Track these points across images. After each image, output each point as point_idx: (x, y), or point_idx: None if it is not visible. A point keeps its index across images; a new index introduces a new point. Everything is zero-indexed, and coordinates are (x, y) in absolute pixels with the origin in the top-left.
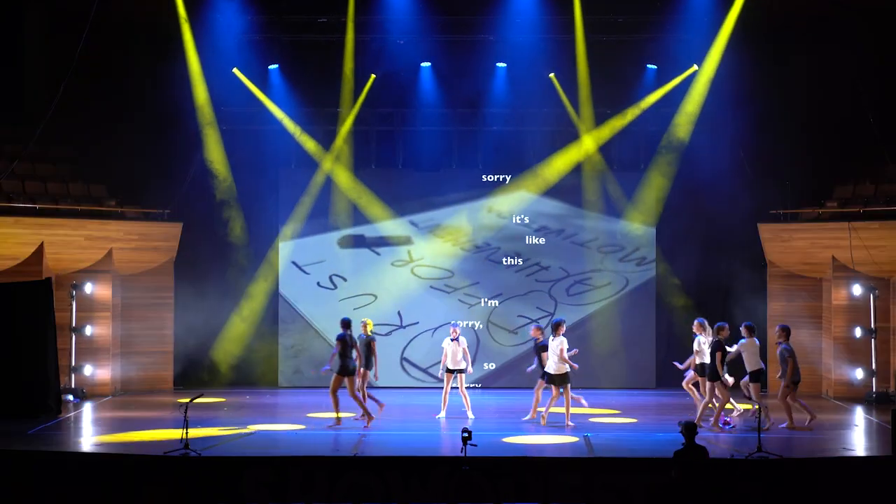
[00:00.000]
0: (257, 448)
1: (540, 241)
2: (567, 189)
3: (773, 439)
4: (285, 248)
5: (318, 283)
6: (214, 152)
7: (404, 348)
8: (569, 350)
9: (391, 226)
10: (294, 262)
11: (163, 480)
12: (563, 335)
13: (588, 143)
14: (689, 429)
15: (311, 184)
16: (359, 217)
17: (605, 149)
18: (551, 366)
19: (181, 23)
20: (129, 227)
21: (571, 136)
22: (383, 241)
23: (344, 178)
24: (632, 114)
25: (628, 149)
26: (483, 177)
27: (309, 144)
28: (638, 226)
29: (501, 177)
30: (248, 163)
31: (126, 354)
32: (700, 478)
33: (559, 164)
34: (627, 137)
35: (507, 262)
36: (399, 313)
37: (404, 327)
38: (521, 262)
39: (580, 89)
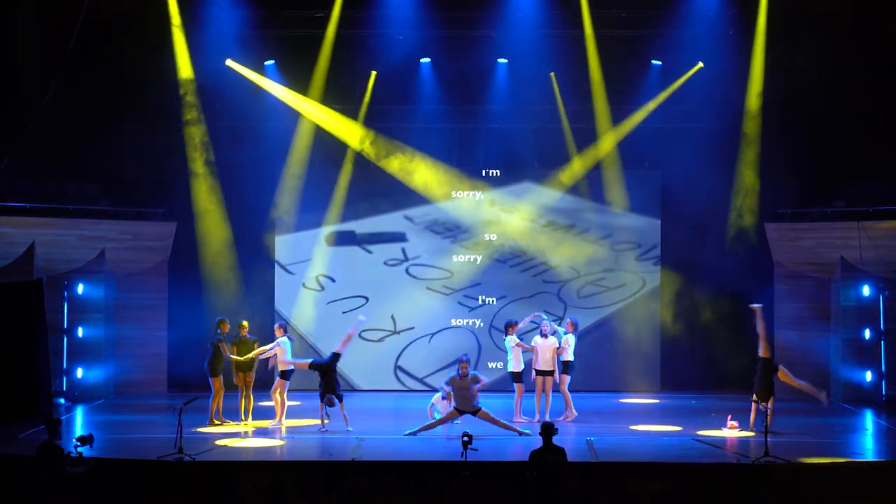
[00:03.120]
0: (253, 452)
1: (547, 237)
2: (577, 182)
3: (780, 443)
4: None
5: (304, 285)
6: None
7: (399, 356)
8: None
9: (384, 221)
10: (277, 262)
11: (157, 485)
12: (515, 335)
13: (607, 141)
14: (547, 430)
15: (306, 180)
16: (348, 212)
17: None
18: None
19: (171, 18)
20: (122, 227)
21: (576, 131)
22: (375, 238)
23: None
24: (642, 115)
25: (638, 143)
26: (484, 171)
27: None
28: (650, 221)
29: (505, 172)
30: (244, 160)
31: (119, 356)
32: (555, 479)
33: (567, 159)
34: (637, 131)
35: (511, 260)
36: (392, 317)
37: (398, 333)
38: (527, 261)
39: (593, 84)
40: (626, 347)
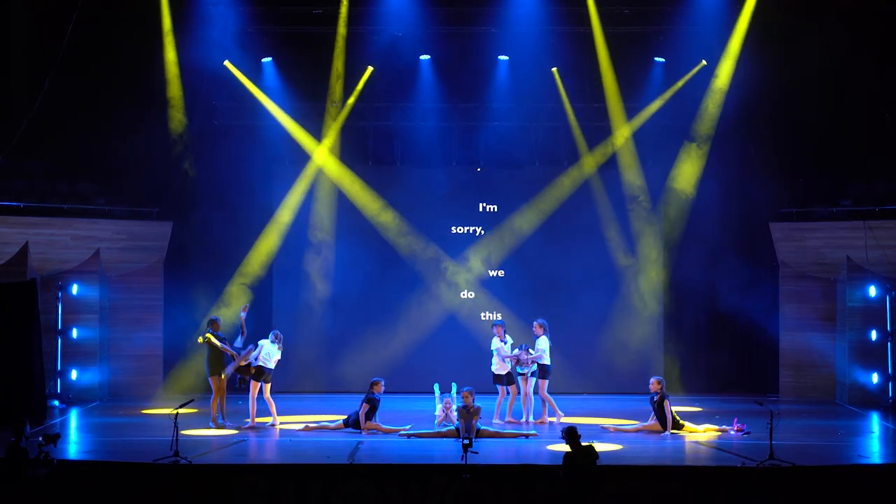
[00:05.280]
0: (250, 455)
1: (549, 237)
2: (580, 181)
3: (785, 447)
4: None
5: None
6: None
7: (396, 359)
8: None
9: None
10: (275, 263)
11: (152, 489)
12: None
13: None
14: (570, 435)
15: (302, 179)
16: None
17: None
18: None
19: (164, 17)
20: (117, 226)
21: (578, 129)
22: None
23: (335, 175)
24: (649, 112)
25: (641, 142)
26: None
27: (302, 138)
28: (653, 220)
29: (504, 182)
30: (240, 159)
31: (114, 358)
32: (587, 481)
33: (571, 156)
34: (640, 130)
35: (513, 261)
36: (390, 318)
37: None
38: (529, 261)
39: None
40: (629, 349)
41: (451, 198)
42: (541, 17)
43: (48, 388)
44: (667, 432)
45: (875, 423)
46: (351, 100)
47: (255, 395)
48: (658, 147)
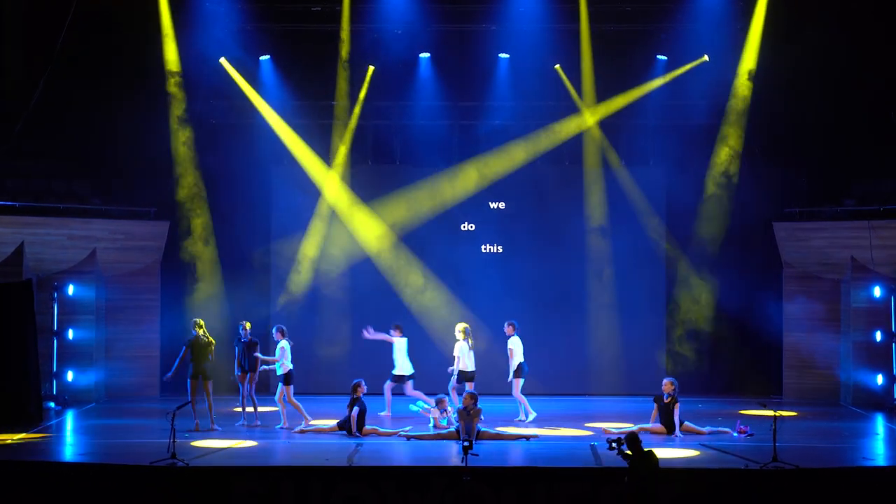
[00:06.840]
0: (248, 458)
1: (549, 237)
2: (571, 182)
3: (789, 448)
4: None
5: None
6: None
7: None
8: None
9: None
10: (274, 262)
11: (149, 492)
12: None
13: (594, 130)
14: (632, 440)
15: (302, 177)
16: None
17: (613, 142)
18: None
19: (161, 14)
20: (113, 226)
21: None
22: None
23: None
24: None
25: (642, 140)
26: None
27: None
28: (655, 219)
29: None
30: (239, 158)
31: (110, 359)
32: (650, 484)
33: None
34: (636, 131)
35: (514, 261)
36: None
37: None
38: (530, 261)
39: (583, 78)
40: (631, 349)
41: (457, 197)
42: (541, 15)
43: (44, 389)
44: (677, 435)
45: (880, 424)
46: (357, 108)
47: (282, 398)
48: (660, 146)
